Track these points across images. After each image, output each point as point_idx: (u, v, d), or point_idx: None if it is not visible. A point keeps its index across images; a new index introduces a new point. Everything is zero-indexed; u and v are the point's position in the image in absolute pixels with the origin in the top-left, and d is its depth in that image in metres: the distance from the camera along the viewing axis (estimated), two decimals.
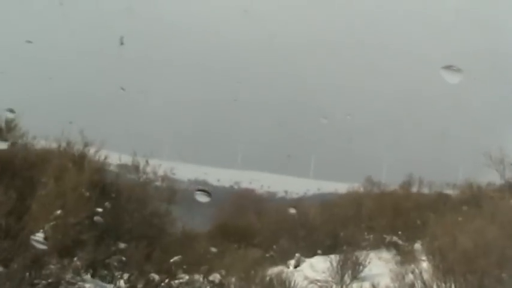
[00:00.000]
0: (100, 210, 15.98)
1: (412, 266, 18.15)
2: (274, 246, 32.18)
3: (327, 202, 38.25)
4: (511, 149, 30.25)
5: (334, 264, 23.72)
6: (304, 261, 28.73)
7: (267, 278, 22.28)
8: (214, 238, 30.99)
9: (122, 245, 16.56)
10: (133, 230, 18.00)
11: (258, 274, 23.37)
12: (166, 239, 20.17)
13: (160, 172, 21.92)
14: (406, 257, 23.79)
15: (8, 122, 15.42)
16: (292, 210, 31.77)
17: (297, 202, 50.80)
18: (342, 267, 23.59)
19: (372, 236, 29.33)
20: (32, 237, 12.00)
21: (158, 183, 21.86)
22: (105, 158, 19.72)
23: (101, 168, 19.03)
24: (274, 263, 29.40)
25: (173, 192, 22.61)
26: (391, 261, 25.08)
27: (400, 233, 27.81)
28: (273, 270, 26.63)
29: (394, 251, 26.81)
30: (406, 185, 37.15)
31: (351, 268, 23.66)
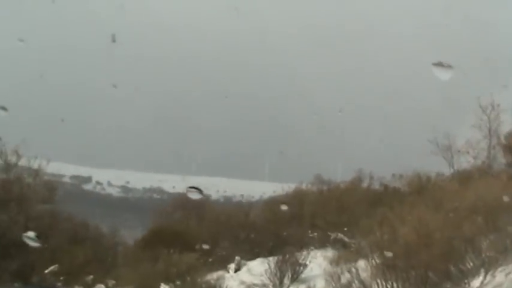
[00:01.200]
0: None
1: (348, 265, 16.26)
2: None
3: (270, 202, 36.44)
4: (459, 137, 28.61)
5: (272, 266, 21.87)
6: (245, 264, 26.88)
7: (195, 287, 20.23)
8: (148, 244, 28.95)
9: None
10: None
11: (189, 281, 21.49)
12: (48, 246, 17.28)
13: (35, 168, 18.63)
14: (348, 255, 22.00)
15: None
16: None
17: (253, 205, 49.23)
18: (281, 269, 21.75)
19: (316, 234, 27.54)
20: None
21: (31, 181, 18.54)
22: None
23: None
24: (214, 267, 27.49)
25: (52, 190, 19.51)
26: (338, 259, 23.37)
27: (345, 229, 26.04)
28: (212, 276, 24.85)
29: (340, 249, 25.05)
30: (356, 180, 35.57)
31: (290, 270, 21.83)
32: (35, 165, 18.27)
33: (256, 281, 21.73)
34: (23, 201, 16.97)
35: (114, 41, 17.97)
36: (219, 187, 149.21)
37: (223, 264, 28.23)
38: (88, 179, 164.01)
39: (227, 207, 39.51)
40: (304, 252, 23.21)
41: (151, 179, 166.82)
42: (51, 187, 19.62)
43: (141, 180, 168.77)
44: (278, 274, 21.78)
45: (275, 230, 28.73)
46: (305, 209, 30.23)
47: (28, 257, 15.07)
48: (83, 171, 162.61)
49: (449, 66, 6.54)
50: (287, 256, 22.24)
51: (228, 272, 26.79)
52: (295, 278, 21.95)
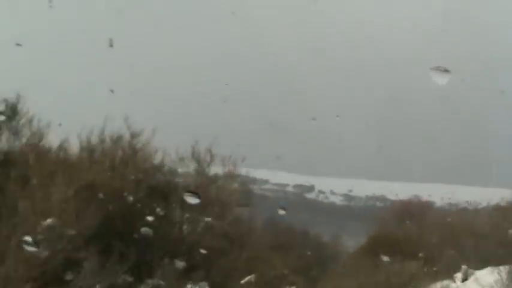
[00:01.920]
0: (150, 218, 13.72)
1: None
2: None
3: (499, 208, 33.79)
4: None
5: (504, 276, 20.06)
6: (472, 273, 25.15)
7: None
8: (368, 252, 28.46)
9: (179, 262, 14.02)
10: (195, 243, 15.08)
11: None
12: (245, 254, 16.56)
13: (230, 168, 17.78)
14: None
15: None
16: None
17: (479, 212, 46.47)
18: None
19: None
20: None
21: (227, 184, 17.76)
22: (157, 151, 16.68)
23: (152, 165, 16.22)
24: (439, 277, 26.16)
25: (248, 194, 18.73)
26: None
27: None
28: (436, 286, 23.71)
29: None
30: None
31: None
32: (229, 167, 17.79)
33: None
34: (220, 205, 16.77)
35: (111, 45, 17.75)
36: (443, 194, 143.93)
37: (448, 274, 26.79)
38: (311, 188, 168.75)
39: (451, 214, 37.49)
40: None
41: (374, 187, 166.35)
42: (247, 190, 19.08)
43: (363, 188, 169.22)
44: (511, 285, 19.94)
45: (505, 237, 26.50)
46: None
47: (225, 266, 14.97)
48: (305, 180, 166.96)
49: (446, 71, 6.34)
50: None
51: (454, 281, 25.32)
52: None
